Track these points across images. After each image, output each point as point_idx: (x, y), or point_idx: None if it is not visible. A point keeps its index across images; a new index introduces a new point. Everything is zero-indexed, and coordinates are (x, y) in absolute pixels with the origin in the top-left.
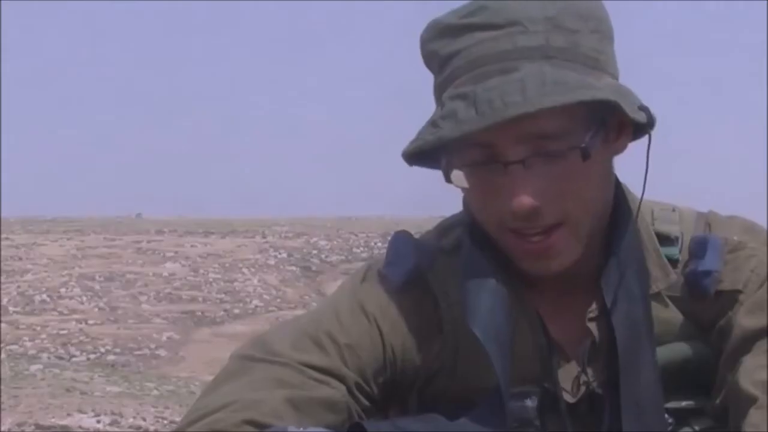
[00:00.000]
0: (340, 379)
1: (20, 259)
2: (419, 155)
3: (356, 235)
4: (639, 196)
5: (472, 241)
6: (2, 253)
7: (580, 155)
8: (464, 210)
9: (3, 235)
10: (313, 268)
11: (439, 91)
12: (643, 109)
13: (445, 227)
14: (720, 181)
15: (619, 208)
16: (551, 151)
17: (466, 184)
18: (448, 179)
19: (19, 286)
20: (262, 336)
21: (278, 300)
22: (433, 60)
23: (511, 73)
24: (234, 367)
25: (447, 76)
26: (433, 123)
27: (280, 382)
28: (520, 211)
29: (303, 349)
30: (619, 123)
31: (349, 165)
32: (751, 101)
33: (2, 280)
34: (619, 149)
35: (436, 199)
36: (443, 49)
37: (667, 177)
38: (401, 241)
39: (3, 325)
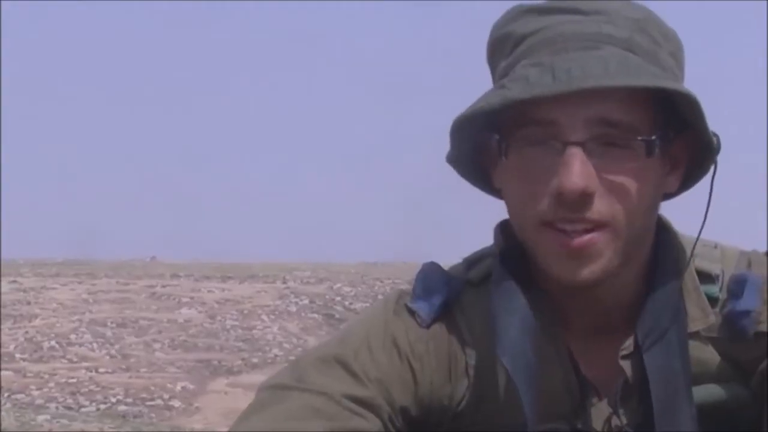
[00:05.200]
0: (375, 411)
1: (28, 303)
2: (461, 157)
3: (381, 282)
4: (685, 237)
5: (504, 269)
6: (10, 297)
7: (645, 149)
8: (495, 242)
9: (11, 278)
10: (337, 316)
11: (508, 68)
12: (715, 135)
13: (474, 259)
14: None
15: (661, 246)
16: (616, 137)
17: (514, 171)
18: (485, 184)
19: (26, 332)
20: (291, 365)
21: (299, 349)
22: (507, 41)
23: (593, 50)
24: (265, 398)
25: (522, 51)
26: (500, 85)
27: (318, 412)
28: (571, 193)
29: (338, 379)
30: (672, 158)
31: (376, 209)
32: (750, 100)
33: (10, 325)
34: (670, 186)
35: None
36: (521, 28)
37: None
38: (430, 273)
39: (9, 372)
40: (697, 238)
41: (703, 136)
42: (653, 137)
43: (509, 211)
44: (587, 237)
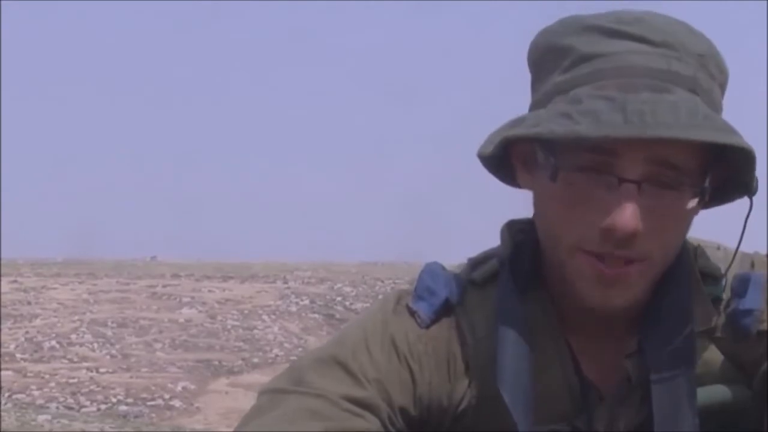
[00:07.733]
0: (374, 411)
1: (29, 303)
2: (500, 157)
3: (382, 282)
4: (689, 238)
5: (510, 272)
6: (10, 297)
7: (697, 196)
8: (502, 243)
9: (11, 278)
10: (337, 316)
11: (566, 85)
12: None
13: (479, 260)
14: None
15: (679, 258)
16: (672, 180)
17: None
18: (510, 178)
19: (27, 332)
20: (290, 368)
21: (299, 349)
22: (565, 55)
23: (663, 93)
24: (264, 403)
25: (587, 74)
26: (565, 114)
27: (315, 414)
28: (621, 232)
29: (336, 380)
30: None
31: (377, 209)
32: (750, 100)
33: (10, 325)
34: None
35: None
36: (586, 46)
37: None
38: (432, 273)
39: (9, 372)
40: (731, 263)
41: (744, 178)
42: (705, 184)
43: (541, 228)
44: (624, 269)
